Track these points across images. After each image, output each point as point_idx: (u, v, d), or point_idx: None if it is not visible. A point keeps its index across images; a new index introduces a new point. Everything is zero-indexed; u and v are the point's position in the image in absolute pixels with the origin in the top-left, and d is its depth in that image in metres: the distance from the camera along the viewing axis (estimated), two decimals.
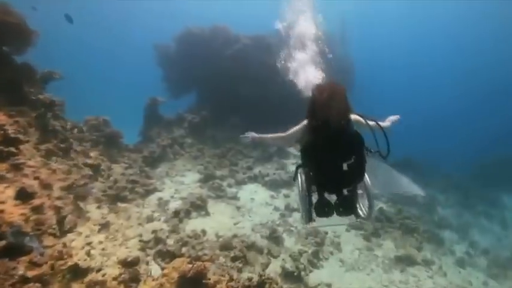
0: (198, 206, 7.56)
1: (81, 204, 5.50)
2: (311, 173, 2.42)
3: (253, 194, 9.28)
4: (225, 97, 12.51)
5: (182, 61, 13.98)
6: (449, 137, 34.47)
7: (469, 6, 31.97)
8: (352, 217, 2.56)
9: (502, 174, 17.38)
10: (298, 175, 2.63)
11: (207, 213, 7.57)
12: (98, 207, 5.97)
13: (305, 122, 2.41)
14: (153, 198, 7.63)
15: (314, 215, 2.47)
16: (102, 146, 8.41)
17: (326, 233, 7.72)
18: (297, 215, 8.56)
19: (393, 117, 2.82)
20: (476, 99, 43.03)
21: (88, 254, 4.35)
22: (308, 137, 2.30)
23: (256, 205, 8.72)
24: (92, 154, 7.69)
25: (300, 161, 2.60)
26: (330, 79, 2.65)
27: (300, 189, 2.51)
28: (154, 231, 6.03)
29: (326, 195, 2.46)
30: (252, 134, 2.85)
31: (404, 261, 6.86)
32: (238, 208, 8.28)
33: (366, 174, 2.42)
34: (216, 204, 8.25)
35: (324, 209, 2.39)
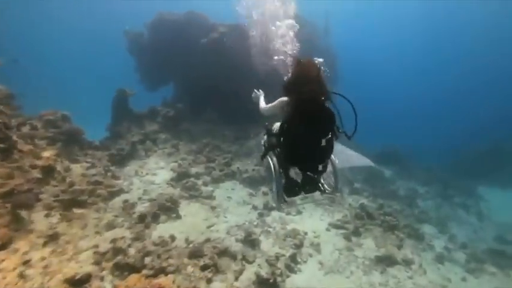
0: (168, 208, 6.96)
1: (24, 214, 4.78)
2: (283, 154, 2.45)
3: (230, 193, 8.78)
4: (202, 89, 11.76)
5: (156, 50, 13.01)
6: (430, 130, 35.36)
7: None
8: (318, 193, 2.65)
9: (477, 167, 17.87)
10: (269, 158, 2.61)
11: (178, 216, 6.99)
12: (47, 216, 5.25)
13: (283, 98, 2.45)
14: (117, 201, 6.94)
15: (284, 195, 2.53)
16: (61, 144, 7.57)
17: (305, 233, 7.36)
18: (275, 214, 8.16)
19: None
20: (456, 95, 44.29)
21: (21, 275, 3.69)
22: (288, 113, 2.31)
23: (232, 204, 8.22)
24: (45, 154, 6.85)
25: (268, 143, 2.69)
26: (305, 56, 2.59)
27: (273, 170, 2.49)
28: (113, 240, 5.41)
29: (293, 175, 2.53)
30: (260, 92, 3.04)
31: (385, 262, 6.62)
32: (213, 208, 7.75)
33: None
34: (189, 205, 7.68)
35: (294, 189, 2.47)
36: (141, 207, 6.90)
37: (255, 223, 7.57)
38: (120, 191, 7.32)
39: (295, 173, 2.60)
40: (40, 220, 5.09)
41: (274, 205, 2.53)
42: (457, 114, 40.81)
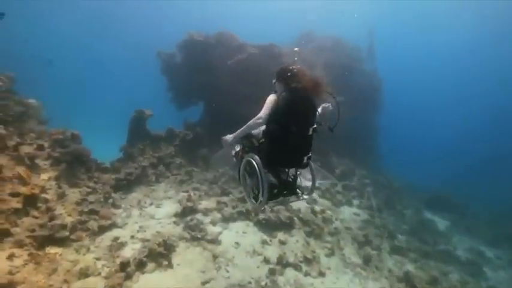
0: (159, 254, 5.87)
1: None
2: (268, 151, 2.47)
3: (240, 237, 7.43)
4: (226, 112, 10.93)
5: (185, 70, 12.77)
6: (489, 170, 29.84)
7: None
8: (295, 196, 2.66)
9: None
10: (251, 159, 2.51)
11: (170, 265, 5.83)
12: (10, 257, 4.49)
13: (272, 96, 2.56)
14: (106, 239, 6.08)
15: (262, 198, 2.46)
16: (65, 165, 7.11)
17: None
18: (291, 273, 6.57)
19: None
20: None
21: None
22: (279, 106, 2.42)
23: (240, 253, 6.85)
24: (42, 177, 6.40)
25: (247, 146, 2.85)
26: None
27: (258, 171, 2.40)
28: None
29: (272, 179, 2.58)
30: (228, 136, 2.77)
31: None
32: (215, 257, 6.45)
33: None
34: (187, 249, 6.51)
35: (272, 192, 2.49)
36: (130, 249, 5.92)
37: (263, 283, 6.07)
38: (113, 225, 6.48)
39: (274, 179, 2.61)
40: (0, 262, 4.33)
41: (250, 207, 2.68)
42: None
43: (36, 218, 5.32)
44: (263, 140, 2.54)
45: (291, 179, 2.59)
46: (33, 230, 5.03)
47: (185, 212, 7.61)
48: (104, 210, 6.78)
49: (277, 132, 2.38)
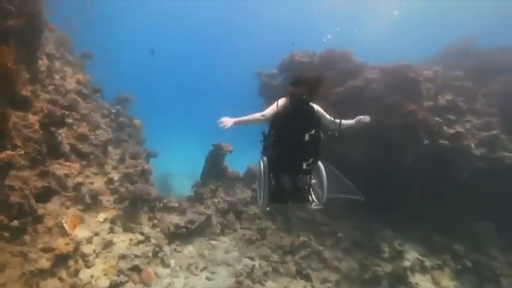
0: None
1: None
2: (273, 151, 2.64)
3: None
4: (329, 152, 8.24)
5: (284, 93, 10.90)
6: None
7: None
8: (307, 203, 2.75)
9: None
10: (260, 160, 2.71)
11: None
12: None
13: (275, 105, 2.70)
14: None
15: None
16: (128, 204, 6.54)
17: None
18: None
19: (361, 117, 2.95)
20: None
21: None
22: (279, 109, 2.61)
23: None
24: (100, 217, 5.89)
25: (262, 146, 2.90)
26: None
27: (263, 172, 2.56)
28: None
29: (283, 182, 2.64)
30: (228, 119, 2.63)
31: None
32: None
33: (320, 163, 2.76)
34: None
35: (281, 194, 2.63)
36: None
37: None
38: None
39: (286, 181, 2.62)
40: None
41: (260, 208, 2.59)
42: None
43: (62, 281, 4.56)
44: (268, 143, 2.73)
45: (306, 186, 2.65)
46: None
47: None
48: (147, 271, 5.65)
49: (275, 137, 2.62)
